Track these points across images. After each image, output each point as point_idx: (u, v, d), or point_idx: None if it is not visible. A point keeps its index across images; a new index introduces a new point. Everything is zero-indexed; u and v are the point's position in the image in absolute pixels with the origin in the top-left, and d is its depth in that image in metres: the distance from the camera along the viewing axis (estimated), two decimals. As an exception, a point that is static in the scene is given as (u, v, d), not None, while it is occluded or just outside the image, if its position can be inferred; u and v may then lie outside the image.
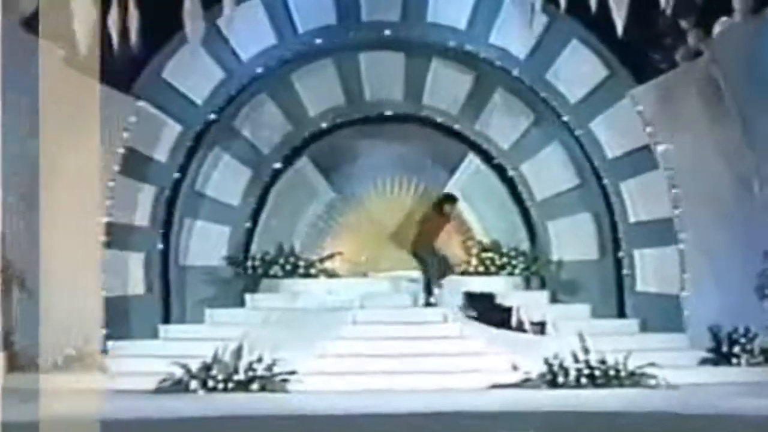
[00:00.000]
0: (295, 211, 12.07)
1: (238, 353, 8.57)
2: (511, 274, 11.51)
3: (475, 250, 11.91)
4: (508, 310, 10.47)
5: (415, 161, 12.19)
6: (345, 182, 12.19)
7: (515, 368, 8.90)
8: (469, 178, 12.11)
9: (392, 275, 11.58)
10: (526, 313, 10.36)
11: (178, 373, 8.45)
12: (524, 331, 10.06)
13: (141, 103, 10.72)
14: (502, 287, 11.19)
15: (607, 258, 11.36)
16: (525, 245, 11.75)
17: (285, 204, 12.04)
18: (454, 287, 10.88)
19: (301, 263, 11.74)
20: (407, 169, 12.18)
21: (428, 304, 10.46)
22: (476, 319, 10.26)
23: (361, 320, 10.03)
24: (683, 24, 10.33)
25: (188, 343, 9.55)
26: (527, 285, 11.51)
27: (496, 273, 11.53)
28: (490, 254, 11.73)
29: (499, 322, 10.25)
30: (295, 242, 12.00)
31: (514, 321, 10.25)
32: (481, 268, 11.62)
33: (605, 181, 11.29)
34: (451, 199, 11.14)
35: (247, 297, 11.28)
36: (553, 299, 11.31)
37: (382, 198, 12.23)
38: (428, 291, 10.58)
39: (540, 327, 10.14)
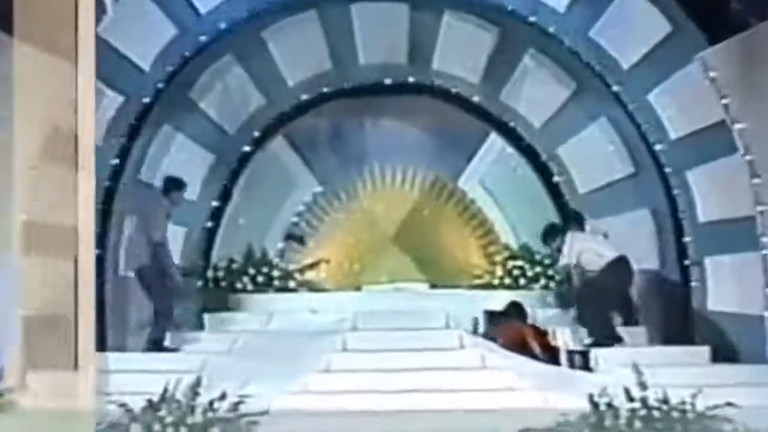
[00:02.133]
0: (269, 207, 12.19)
1: (194, 389, 8.39)
2: (545, 287, 11.60)
3: (499, 258, 12.01)
4: (544, 334, 10.45)
5: (422, 144, 12.34)
6: (332, 171, 12.35)
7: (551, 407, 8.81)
8: (492, 165, 12.25)
9: (393, 288, 11.68)
10: (564, 338, 10.35)
11: (116, 413, 8.33)
12: (566, 362, 10.03)
13: (70, 67, 10.63)
14: (534, 304, 11.21)
15: (669, 267, 11.31)
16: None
17: (256, 198, 12.09)
18: (474, 304, 10.93)
19: (277, 274, 11.82)
20: (412, 153, 12.33)
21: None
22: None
23: (353, 346, 10.00)
24: (770, -35, 10.24)
25: (129, 377, 9.43)
26: (566, 302, 11.46)
27: (527, 286, 11.64)
28: (518, 263, 11.85)
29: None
30: (269, 247, 12.11)
31: (549, 347, 10.25)
32: (507, 280, 11.74)
33: (667, 168, 11.25)
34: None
35: (207, 317, 11.30)
36: None
37: (380, 191, 12.41)
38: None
39: (583, 356, 10.07)
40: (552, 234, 11.08)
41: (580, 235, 10.75)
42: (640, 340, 10.90)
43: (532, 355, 10.07)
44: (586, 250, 10.54)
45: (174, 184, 10.70)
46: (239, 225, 12.03)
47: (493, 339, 10.21)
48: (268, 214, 12.19)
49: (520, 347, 10.18)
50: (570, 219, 11.12)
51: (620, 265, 10.47)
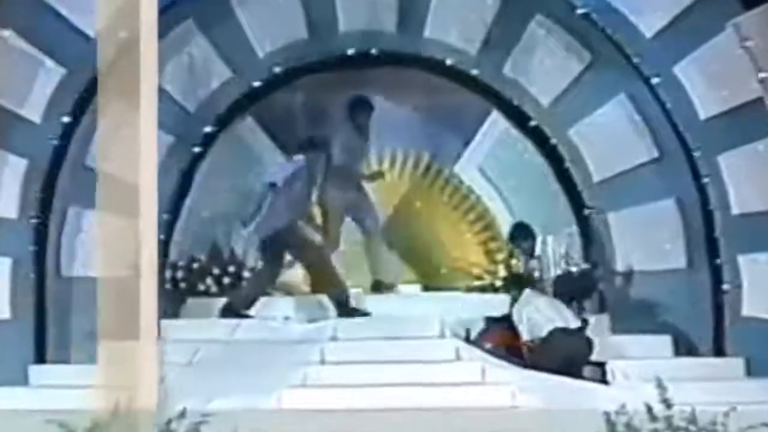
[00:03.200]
0: (237, 196, 12.05)
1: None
2: (555, 290, 11.45)
3: (502, 256, 11.94)
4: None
5: (412, 124, 12.30)
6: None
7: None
8: (493, 149, 12.17)
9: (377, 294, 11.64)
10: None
11: (56, 436, 8.27)
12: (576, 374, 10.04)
13: (5, 33, 10.57)
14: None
15: (698, 267, 11.29)
16: (575, 248, 11.69)
17: (221, 186, 12.00)
18: (473, 309, 10.91)
19: (246, 274, 11.76)
20: (400, 135, 12.31)
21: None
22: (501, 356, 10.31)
23: (333, 358, 10.02)
24: None
25: (73, 393, 9.32)
26: (579, 307, 11.35)
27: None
28: (523, 262, 11.79)
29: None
30: (237, 243, 12.01)
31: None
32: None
33: (696, 153, 11.22)
34: None
35: (165, 324, 10.99)
36: (616, 327, 11.28)
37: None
38: None
39: (599, 368, 10.14)
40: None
41: (534, 298, 10.48)
42: (664, 350, 10.90)
43: (521, 358, 10.15)
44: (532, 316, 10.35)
45: (309, 144, 11.20)
46: (202, 217, 11.96)
47: (480, 346, 10.26)
48: (235, 204, 12.08)
49: (510, 349, 10.24)
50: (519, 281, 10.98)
51: (556, 342, 10.14)
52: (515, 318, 10.35)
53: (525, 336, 10.22)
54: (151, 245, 7.22)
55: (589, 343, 10.18)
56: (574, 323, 10.26)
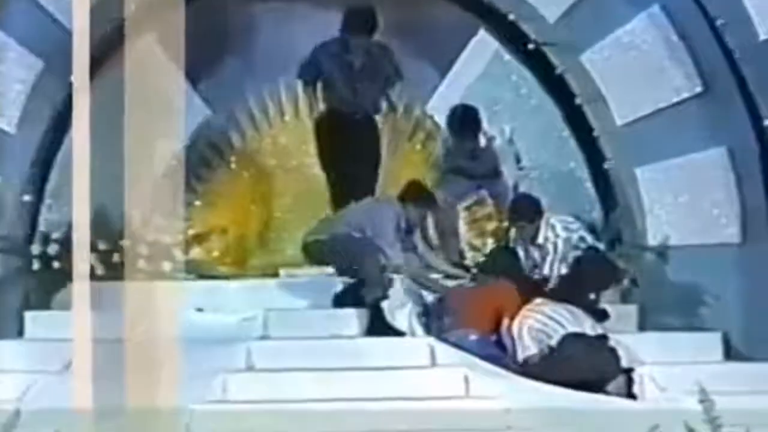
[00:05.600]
0: (133, 144, 11.86)
1: (9, 429, 8.18)
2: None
3: (491, 225, 12.21)
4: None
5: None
6: (232, 90, 12.50)
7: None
8: (480, 81, 12.28)
9: (326, 273, 11.51)
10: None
11: None
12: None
13: None
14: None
15: (757, 239, 11.38)
16: (594, 215, 11.90)
17: (111, 131, 11.74)
18: None
19: (144, 251, 11.71)
20: None
21: None
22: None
23: (262, 364, 10.06)
24: None
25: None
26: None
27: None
28: (521, 233, 11.86)
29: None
30: (132, 209, 11.86)
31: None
32: (507, 259, 11.67)
33: (752, 87, 11.24)
34: None
35: (30, 317, 11.30)
36: (647, 322, 11.46)
37: (306, 120, 12.48)
38: None
39: (624, 377, 10.21)
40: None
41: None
42: (711, 351, 11.00)
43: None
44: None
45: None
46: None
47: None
48: (131, 156, 11.94)
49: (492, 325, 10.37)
50: None
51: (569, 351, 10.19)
52: (515, 331, 10.35)
53: (528, 351, 10.23)
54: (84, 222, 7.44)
55: (614, 357, 10.19)
56: (593, 330, 10.28)
